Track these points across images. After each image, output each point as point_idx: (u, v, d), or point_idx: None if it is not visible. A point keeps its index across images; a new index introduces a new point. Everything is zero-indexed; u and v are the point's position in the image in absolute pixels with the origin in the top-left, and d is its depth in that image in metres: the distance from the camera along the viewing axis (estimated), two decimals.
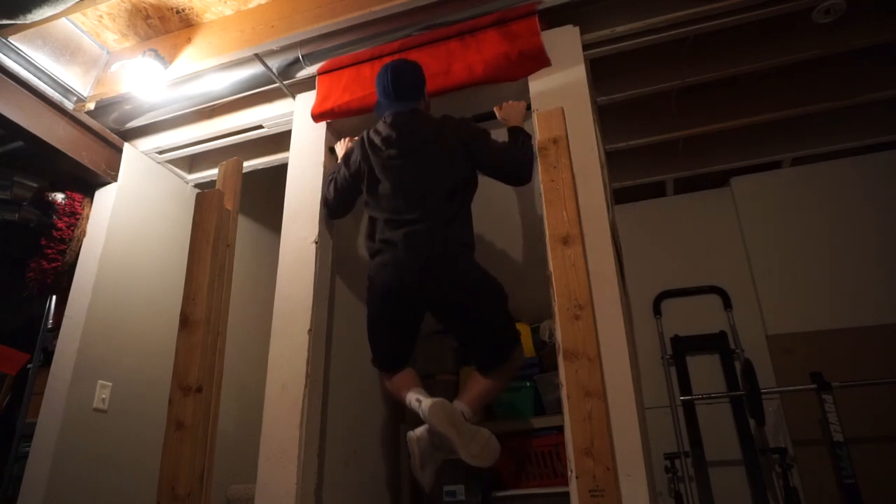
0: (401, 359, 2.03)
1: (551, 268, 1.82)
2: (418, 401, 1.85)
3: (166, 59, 2.43)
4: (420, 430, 1.85)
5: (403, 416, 2.79)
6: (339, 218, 2.33)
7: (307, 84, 2.50)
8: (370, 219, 2.06)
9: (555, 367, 1.89)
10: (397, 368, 2.02)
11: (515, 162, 2.01)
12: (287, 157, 2.46)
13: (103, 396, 2.42)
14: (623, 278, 2.14)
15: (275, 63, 2.40)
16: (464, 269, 1.94)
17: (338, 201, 2.22)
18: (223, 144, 2.78)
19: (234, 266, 2.33)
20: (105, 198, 2.69)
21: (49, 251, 2.60)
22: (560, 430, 2.14)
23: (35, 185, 2.74)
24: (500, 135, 2.13)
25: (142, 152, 2.83)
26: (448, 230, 1.93)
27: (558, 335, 1.75)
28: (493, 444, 1.85)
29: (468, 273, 1.94)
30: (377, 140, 2.04)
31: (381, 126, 2.06)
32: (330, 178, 2.26)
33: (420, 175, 1.97)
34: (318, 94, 2.43)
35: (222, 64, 2.41)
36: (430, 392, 1.93)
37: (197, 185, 3.05)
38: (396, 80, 2.04)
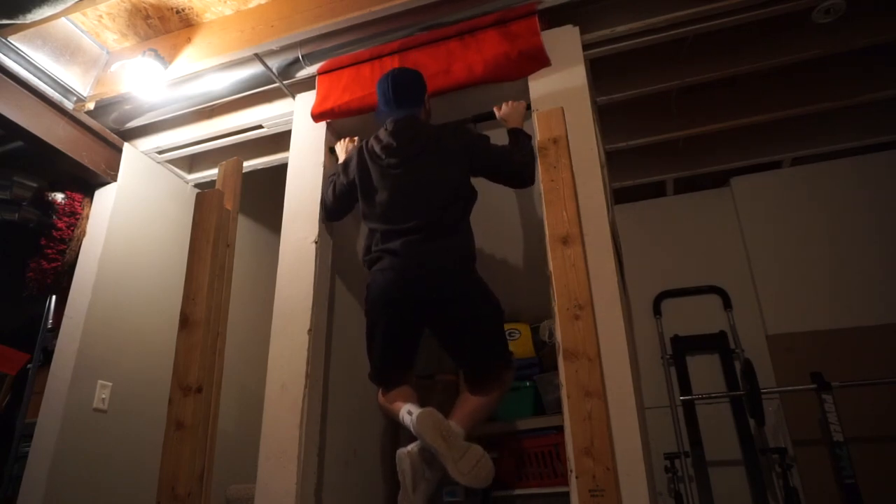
0: (398, 373, 1.96)
1: (551, 268, 1.82)
2: (409, 413, 1.78)
3: (166, 59, 2.43)
4: (411, 446, 1.77)
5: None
6: (337, 220, 2.32)
7: (307, 84, 2.50)
8: (369, 231, 2.02)
9: (555, 367, 1.88)
10: (394, 384, 1.95)
11: (516, 164, 2.00)
12: (287, 157, 2.46)
13: (103, 396, 2.42)
14: (623, 278, 2.14)
15: (275, 63, 2.40)
16: (462, 283, 1.90)
17: (336, 205, 2.21)
18: (223, 144, 2.78)
19: (234, 266, 2.33)
20: (105, 198, 2.69)
21: (49, 251, 2.60)
22: (560, 430, 2.14)
23: (35, 185, 2.74)
24: (500, 135, 2.14)
25: (142, 152, 2.83)
26: (448, 240, 1.90)
27: (558, 335, 1.75)
28: (486, 463, 1.74)
29: (466, 288, 1.90)
30: (377, 148, 2.02)
31: (381, 134, 2.04)
32: (329, 181, 2.24)
33: (419, 184, 1.95)
34: (317, 94, 2.43)
35: (222, 64, 2.41)
36: (430, 393, 1.93)
37: (197, 185, 3.05)
38: (397, 88, 2.03)
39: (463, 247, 1.93)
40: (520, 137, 2.07)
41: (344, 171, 2.14)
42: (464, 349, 1.93)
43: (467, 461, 1.70)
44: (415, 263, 1.87)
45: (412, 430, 1.75)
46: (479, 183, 2.06)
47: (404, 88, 2.04)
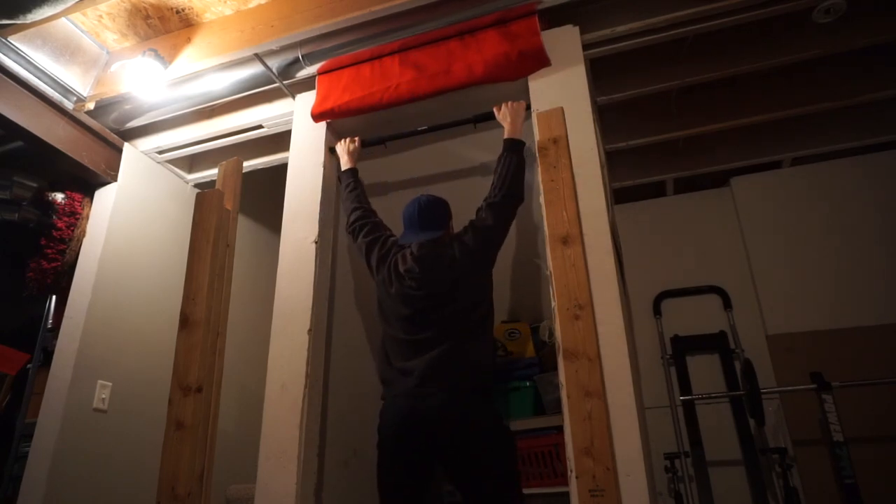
0: None
1: (551, 268, 1.82)
2: None
3: (166, 58, 2.43)
4: None
5: None
6: None
7: (307, 84, 2.50)
8: (384, 335, 2.02)
9: (555, 367, 1.88)
10: None
11: (500, 207, 1.98)
12: (287, 157, 2.46)
13: (103, 396, 2.42)
14: (623, 278, 2.14)
15: (275, 63, 2.40)
16: (476, 418, 1.84)
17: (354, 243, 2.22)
18: (223, 144, 2.78)
19: (234, 266, 2.33)
20: (105, 198, 2.69)
21: (49, 251, 2.60)
22: (560, 430, 2.14)
23: (35, 185, 2.74)
24: (500, 135, 2.13)
25: (142, 152, 2.83)
26: (465, 356, 1.87)
27: (558, 335, 1.75)
28: None
29: (481, 428, 1.83)
30: (402, 269, 2.02)
31: (407, 255, 2.03)
32: (357, 223, 2.21)
33: (437, 307, 1.93)
34: (317, 94, 2.43)
35: (222, 64, 2.41)
36: None
37: (197, 185, 3.05)
38: (422, 212, 2.07)
39: (482, 358, 1.91)
40: (506, 155, 2.05)
41: (368, 250, 2.13)
42: (476, 493, 1.82)
43: None
44: (427, 386, 1.83)
45: None
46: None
47: (429, 213, 2.08)
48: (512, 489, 1.83)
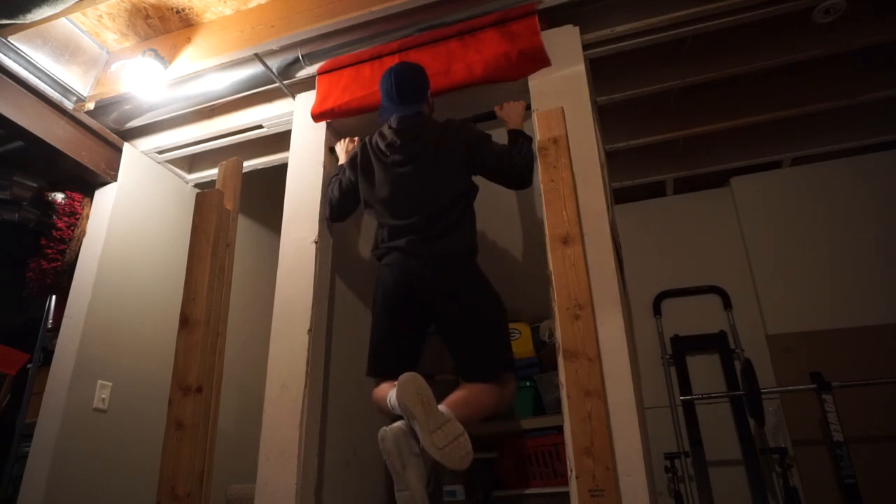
0: (399, 367, 1.81)
1: (551, 267, 1.82)
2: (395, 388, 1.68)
3: (166, 58, 2.43)
4: (393, 424, 1.65)
5: None
6: (341, 221, 2.32)
7: (307, 84, 2.50)
8: (377, 224, 2.05)
9: (555, 367, 1.88)
10: (392, 377, 1.79)
11: (516, 167, 2.00)
12: (287, 157, 2.46)
13: (103, 396, 2.42)
14: (623, 278, 2.14)
15: (275, 63, 2.40)
16: (464, 277, 1.91)
17: (342, 201, 2.20)
18: (223, 144, 2.78)
19: (234, 266, 2.33)
20: (105, 198, 2.69)
21: (49, 251, 2.61)
22: (560, 430, 2.14)
23: (35, 185, 2.75)
24: (499, 135, 2.13)
25: (142, 152, 2.83)
26: (451, 234, 1.92)
27: (558, 335, 1.75)
28: (464, 443, 1.59)
29: (469, 282, 1.91)
30: (381, 144, 2.04)
31: (385, 130, 2.06)
32: (333, 180, 2.25)
33: (423, 181, 1.97)
34: (317, 93, 2.43)
35: (222, 64, 2.41)
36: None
37: (197, 185, 3.05)
38: (400, 84, 2.04)
39: (465, 238, 1.95)
40: (519, 139, 2.07)
41: (350, 167, 2.15)
42: (463, 344, 1.88)
43: (444, 434, 1.57)
44: (418, 258, 1.90)
45: (394, 401, 1.65)
46: (479, 182, 2.06)
47: (407, 84, 2.06)
48: (501, 343, 1.91)
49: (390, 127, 2.05)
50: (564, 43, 2.17)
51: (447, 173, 1.98)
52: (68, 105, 2.50)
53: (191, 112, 2.70)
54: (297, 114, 2.51)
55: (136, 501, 2.37)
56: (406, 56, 2.31)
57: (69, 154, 2.51)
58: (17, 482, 2.27)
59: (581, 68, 2.13)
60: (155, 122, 2.77)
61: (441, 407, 1.66)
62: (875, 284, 3.00)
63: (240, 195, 2.45)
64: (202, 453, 1.96)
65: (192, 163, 3.06)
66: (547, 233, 1.88)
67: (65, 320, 2.46)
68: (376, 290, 1.98)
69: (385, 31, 2.28)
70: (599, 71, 2.49)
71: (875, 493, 2.59)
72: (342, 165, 2.27)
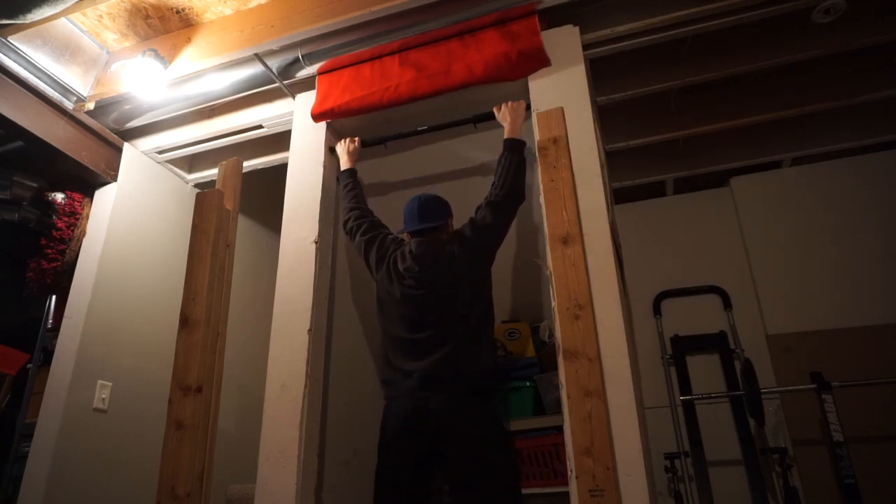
0: None
1: (551, 268, 1.82)
2: None
3: (166, 58, 2.43)
4: None
5: None
6: None
7: (307, 84, 2.50)
8: (384, 336, 2.02)
9: (555, 367, 1.88)
10: None
11: (501, 207, 1.99)
12: (287, 157, 2.46)
13: (103, 396, 2.42)
14: (623, 278, 2.14)
15: (275, 63, 2.40)
16: (476, 420, 1.83)
17: (355, 246, 2.21)
18: (223, 144, 2.78)
19: (234, 266, 2.33)
20: (105, 198, 2.69)
21: (49, 251, 2.61)
22: (560, 430, 2.14)
23: (35, 185, 2.75)
24: (500, 134, 2.13)
25: (142, 152, 2.83)
26: (464, 356, 1.87)
27: (558, 335, 1.75)
28: None
29: (479, 424, 1.83)
30: (401, 267, 2.02)
31: (406, 253, 2.04)
32: (354, 223, 2.21)
33: (438, 305, 1.94)
34: (317, 94, 2.43)
35: (222, 64, 2.41)
36: None
37: (197, 185, 3.05)
38: (423, 207, 2.09)
39: (483, 359, 1.91)
40: (507, 155, 2.05)
41: (367, 248, 2.14)
42: (473, 496, 1.79)
43: None
44: (428, 389, 1.83)
45: None
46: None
47: (430, 208, 2.10)
48: (511, 493, 1.82)
49: (410, 252, 2.03)
50: (564, 43, 2.17)
51: (461, 294, 1.95)
52: (68, 105, 2.50)
53: (191, 112, 2.70)
54: (297, 114, 2.51)
55: (136, 501, 2.38)
56: (406, 56, 2.31)
57: (69, 154, 2.51)
58: (17, 482, 2.26)
59: (581, 68, 2.13)
60: (155, 122, 2.77)
61: None
62: (875, 284, 3.00)
63: (240, 195, 2.45)
64: (202, 453, 1.96)
65: (192, 163, 3.06)
66: (547, 233, 1.88)
67: (65, 320, 2.46)
68: (383, 430, 1.90)
69: (385, 31, 2.28)
70: (599, 71, 2.49)
71: (875, 493, 2.58)
72: (348, 175, 2.28)
